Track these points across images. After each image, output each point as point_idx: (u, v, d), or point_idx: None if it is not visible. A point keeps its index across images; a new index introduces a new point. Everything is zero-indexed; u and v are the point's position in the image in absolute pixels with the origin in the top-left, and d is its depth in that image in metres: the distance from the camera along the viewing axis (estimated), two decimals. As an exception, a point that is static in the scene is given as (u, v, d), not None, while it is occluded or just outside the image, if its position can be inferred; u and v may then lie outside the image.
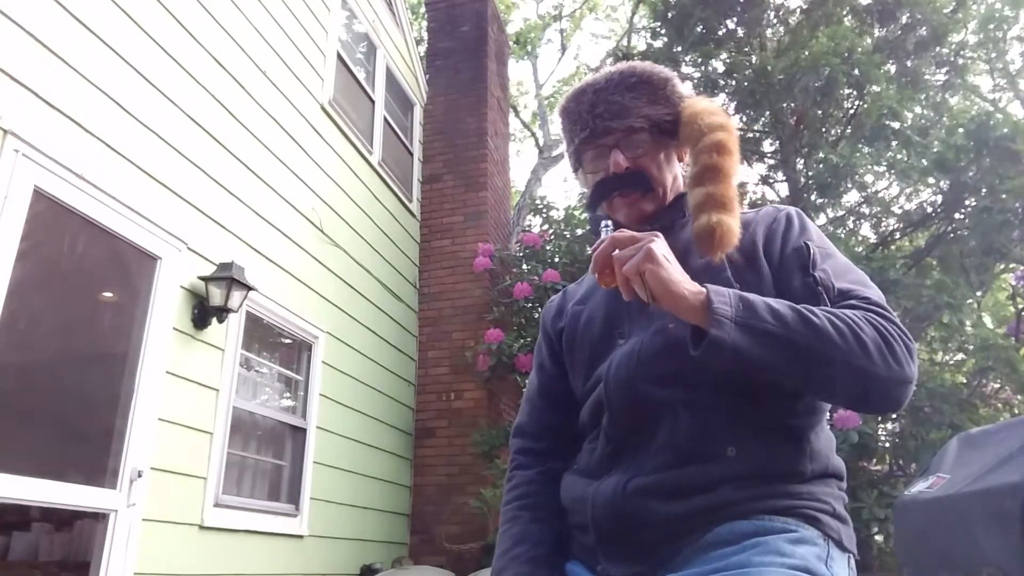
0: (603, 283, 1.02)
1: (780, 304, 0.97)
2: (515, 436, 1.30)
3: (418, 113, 7.18)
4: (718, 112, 1.16)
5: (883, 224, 6.60)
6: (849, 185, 5.79)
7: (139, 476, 3.13)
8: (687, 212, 1.17)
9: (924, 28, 6.06)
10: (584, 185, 1.25)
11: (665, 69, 1.22)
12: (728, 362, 0.95)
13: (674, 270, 0.96)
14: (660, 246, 0.97)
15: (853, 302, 1.01)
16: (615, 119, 1.16)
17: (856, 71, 5.49)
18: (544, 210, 7.26)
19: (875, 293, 1.04)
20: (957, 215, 5.55)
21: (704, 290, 0.96)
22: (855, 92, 5.82)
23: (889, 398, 0.97)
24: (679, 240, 1.15)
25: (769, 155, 6.71)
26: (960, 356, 5.96)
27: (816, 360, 0.94)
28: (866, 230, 6.78)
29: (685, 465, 1.01)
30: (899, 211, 6.58)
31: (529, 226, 8.93)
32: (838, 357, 0.93)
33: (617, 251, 0.99)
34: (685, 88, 1.22)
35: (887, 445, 4.78)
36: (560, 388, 1.24)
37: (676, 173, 1.21)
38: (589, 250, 1.02)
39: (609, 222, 1.08)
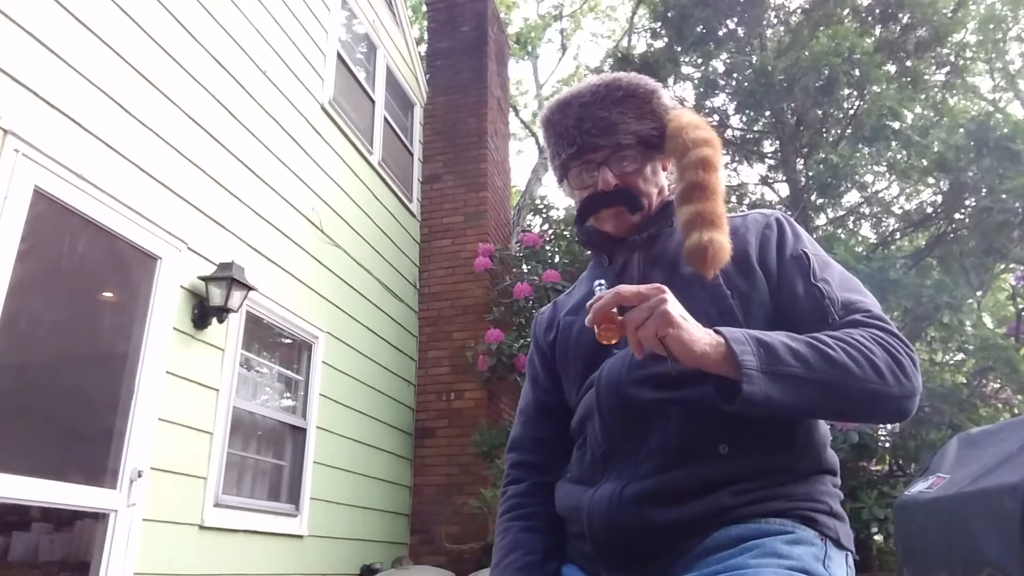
0: (604, 339, 0.95)
1: (795, 341, 0.96)
2: (510, 451, 1.30)
3: (418, 113, 7.17)
4: (703, 126, 1.16)
5: (883, 224, 6.61)
6: (849, 185, 5.80)
7: (139, 476, 3.13)
8: (673, 222, 1.17)
9: (924, 28, 6.06)
10: (570, 196, 1.26)
11: (650, 81, 1.22)
12: (758, 412, 0.93)
13: (692, 327, 0.93)
14: (675, 306, 0.92)
15: (857, 317, 1.03)
16: (603, 135, 1.15)
17: (856, 71, 5.49)
18: (544, 210, 7.26)
19: (872, 302, 1.07)
20: (957, 215, 5.56)
21: (722, 339, 0.93)
22: (855, 92, 5.82)
23: (900, 412, 1.00)
24: (667, 249, 1.16)
25: (769, 155, 6.72)
26: (960, 356, 5.97)
27: (837, 394, 0.96)
28: (866, 230, 6.79)
29: (678, 466, 1.01)
30: (899, 211, 6.59)
31: (529, 226, 8.92)
32: (857, 386, 0.95)
33: (624, 309, 0.93)
34: (670, 99, 1.22)
35: (887, 445, 4.78)
36: (555, 400, 1.24)
37: (662, 184, 1.21)
38: (587, 305, 0.97)
39: (603, 282, 1.01)
